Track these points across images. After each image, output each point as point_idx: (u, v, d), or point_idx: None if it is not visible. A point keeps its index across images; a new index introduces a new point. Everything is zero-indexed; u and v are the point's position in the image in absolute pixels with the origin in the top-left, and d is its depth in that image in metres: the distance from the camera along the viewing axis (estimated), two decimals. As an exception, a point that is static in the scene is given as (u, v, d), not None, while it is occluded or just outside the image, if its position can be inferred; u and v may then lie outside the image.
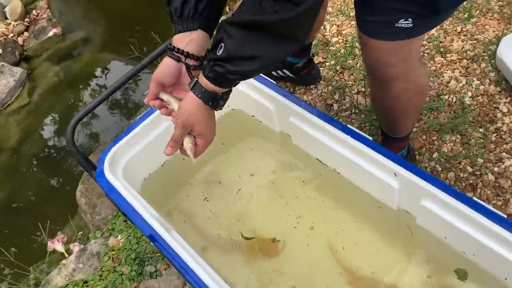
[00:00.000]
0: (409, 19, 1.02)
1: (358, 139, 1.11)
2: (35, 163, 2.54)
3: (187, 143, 0.93)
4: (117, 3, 3.41)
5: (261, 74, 1.31)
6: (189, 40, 0.96)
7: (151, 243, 1.18)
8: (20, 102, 2.83)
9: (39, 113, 2.77)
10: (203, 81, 0.87)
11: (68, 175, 2.39)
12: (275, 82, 1.32)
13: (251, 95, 1.40)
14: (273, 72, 2.01)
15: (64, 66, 3.00)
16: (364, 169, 1.12)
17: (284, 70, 1.99)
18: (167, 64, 0.98)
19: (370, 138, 1.11)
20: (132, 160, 1.30)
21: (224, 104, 0.93)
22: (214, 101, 0.89)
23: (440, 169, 1.67)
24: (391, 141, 1.44)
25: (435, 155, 1.71)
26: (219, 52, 0.82)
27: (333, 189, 1.32)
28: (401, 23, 1.02)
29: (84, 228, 1.98)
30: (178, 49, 0.96)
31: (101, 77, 2.93)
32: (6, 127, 2.73)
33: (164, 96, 0.99)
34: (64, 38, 3.18)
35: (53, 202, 2.30)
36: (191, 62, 0.98)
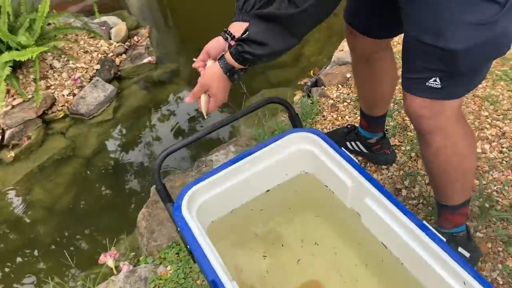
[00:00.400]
0: (437, 80, 1.11)
1: (432, 238, 1.11)
2: (104, 175, 2.69)
3: (203, 98, 1.20)
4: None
5: (343, 148, 1.36)
6: (240, 29, 1.15)
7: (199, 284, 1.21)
8: (104, 116, 3.04)
9: (119, 130, 2.97)
10: (227, 55, 1.11)
11: (133, 195, 2.52)
12: (356, 160, 1.36)
13: (328, 164, 1.43)
14: (347, 144, 2.05)
15: (151, 92, 3.22)
16: (432, 269, 1.11)
17: (358, 143, 2.02)
18: (217, 40, 1.21)
19: (444, 239, 1.12)
20: (207, 202, 1.37)
21: (239, 78, 1.16)
22: (231, 73, 1.13)
23: (501, 282, 1.61)
24: (441, 209, 1.47)
25: (499, 266, 1.65)
26: (243, 35, 1.07)
27: (392, 277, 1.31)
28: (431, 83, 1.13)
29: (137, 250, 2.06)
30: (230, 32, 1.19)
31: (181, 108, 3.10)
32: (86, 137, 2.93)
33: (208, 63, 1.22)
34: (156, 67, 3.42)
35: (113, 217, 2.42)
36: (233, 44, 1.16)
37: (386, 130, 2.10)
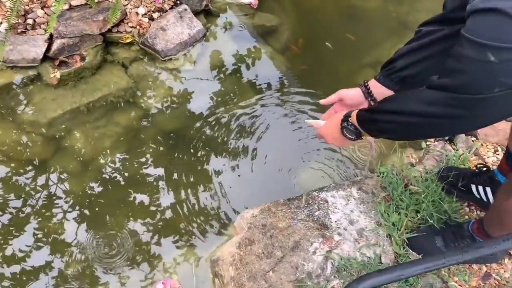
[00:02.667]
0: None
1: None
2: (164, 144, 2.07)
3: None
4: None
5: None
6: (380, 92, 1.22)
7: None
8: (183, 63, 2.36)
9: (199, 89, 2.30)
10: (353, 115, 1.16)
11: (208, 199, 1.92)
12: None
13: None
14: (473, 187, 1.63)
15: (241, 46, 2.51)
16: None
17: (488, 190, 1.60)
18: (357, 92, 1.29)
19: None
20: None
21: (351, 137, 1.20)
22: (346, 128, 1.19)
23: None
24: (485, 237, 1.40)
25: None
26: (380, 105, 1.07)
27: None
28: None
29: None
30: (370, 89, 1.25)
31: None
32: (154, 83, 2.27)
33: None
34: (254, 15, 2.68)
35: (168, 216, 1.85)
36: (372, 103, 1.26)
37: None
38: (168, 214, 1.85)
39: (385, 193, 1.78)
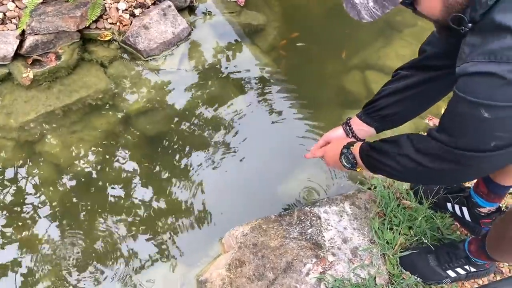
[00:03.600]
0: None
1: None
2: (145, 148, 1.95)
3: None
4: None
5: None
6: (361, 129, 1.31)
7: None
8: (166, 64, 2.24)
9: (182, 91, 2.18)
10: (357, 145, 1.21)
11: (191, 209, 1.82)
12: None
13: None
14: (448, 205, 1.64)
15: (228, 47, 2.40)
16: None
17: (464, 209, 1.59)
18: (341, 132, 1.37)
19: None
20: None
21: (346, 165, 1.25)
22: (345, 155, 1.24)
23: None
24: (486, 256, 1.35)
25: None
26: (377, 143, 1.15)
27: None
28: None
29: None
30: (352, 129, 1.34)
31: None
32: (135, 84, 2.14)
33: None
34: (240, 13, 2.57)
35: (147, 224, 1.75)
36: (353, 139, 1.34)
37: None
38: (150, 225, 1.75)
39: (378, 208, 1.72)
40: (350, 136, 1.36)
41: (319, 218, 1.67)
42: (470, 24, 0.86)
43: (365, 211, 1.72)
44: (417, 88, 1.22)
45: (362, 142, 1.21)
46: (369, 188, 1.79)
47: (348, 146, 1.23)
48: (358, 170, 1.24)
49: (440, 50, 1.18)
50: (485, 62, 0.82)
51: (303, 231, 1.62)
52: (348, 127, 1.36)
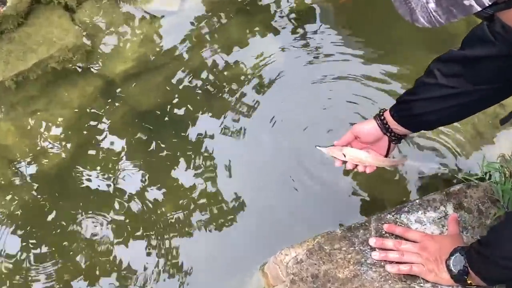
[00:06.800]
0: None
1: None
2: (137, 126, 1.42)
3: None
4: None
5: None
6: (395, 128, 1.19)
7: None
8: (161, 2, 1.63)
9: (186, 39, 1.61)
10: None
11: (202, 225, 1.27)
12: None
13: None
14: None
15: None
16: None
17: None
18: (373, 126, 1.20)
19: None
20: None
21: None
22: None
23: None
24: None
25: None
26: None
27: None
28: None
29: None
30: (388, 126, 1.19)
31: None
32: (120, 34, 1.60)
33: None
34: None
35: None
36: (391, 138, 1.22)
37: None
38: (150, 241, 1.23)
39: (500, 210, 1.19)
40: (388, 134, 1.21)
41: (410, 232, 1.14)
42: None
43: (478, 217, 1.21)
44: (462, 98, 1.09)
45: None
46: (482, 179, 1.25)
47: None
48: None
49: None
50: None
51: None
52: (383, 123, 1.20)
